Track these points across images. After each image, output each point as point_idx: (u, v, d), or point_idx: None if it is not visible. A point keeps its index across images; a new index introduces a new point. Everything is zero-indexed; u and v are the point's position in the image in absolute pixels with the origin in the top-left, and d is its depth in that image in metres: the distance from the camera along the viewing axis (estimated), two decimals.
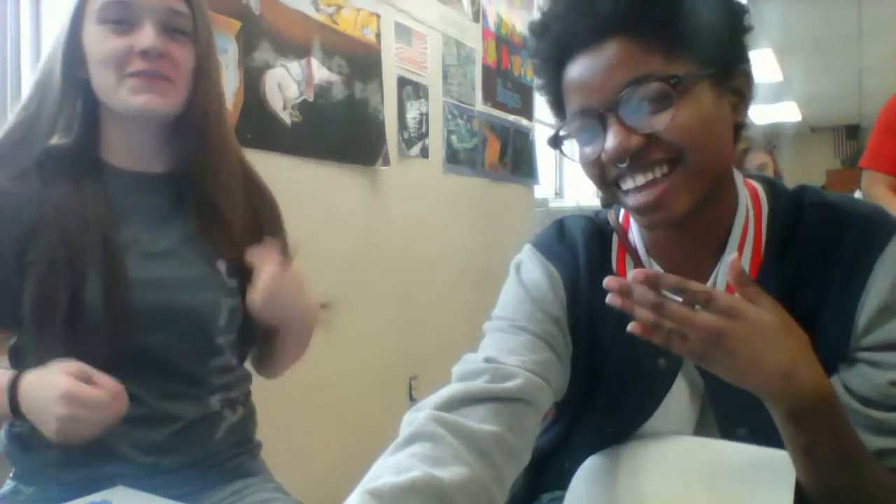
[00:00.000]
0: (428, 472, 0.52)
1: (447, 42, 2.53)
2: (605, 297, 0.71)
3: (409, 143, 2.32)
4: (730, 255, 0.67)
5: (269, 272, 0.82)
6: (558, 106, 0.71)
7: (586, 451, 0.77)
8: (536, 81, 0.73)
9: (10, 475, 0.87)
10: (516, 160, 2.98)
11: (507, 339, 0.70)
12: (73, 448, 0.74)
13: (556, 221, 0.81)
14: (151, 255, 0.85)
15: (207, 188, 0.87)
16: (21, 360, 0.83)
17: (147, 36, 0.78)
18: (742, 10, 0.66)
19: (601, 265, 0.74)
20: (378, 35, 2.14)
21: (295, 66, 1.81)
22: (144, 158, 0.88)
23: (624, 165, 0.63)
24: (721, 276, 0.68)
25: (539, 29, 0.68)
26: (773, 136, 7.03)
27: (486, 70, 2.78)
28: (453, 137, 2.57)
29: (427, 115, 2.41)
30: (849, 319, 0.62)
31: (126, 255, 0.82)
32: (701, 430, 0.72)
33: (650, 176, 0.62)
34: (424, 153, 2.40)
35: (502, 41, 2.88)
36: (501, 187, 2.91)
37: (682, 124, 0.61)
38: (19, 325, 0.81)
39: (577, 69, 0.64)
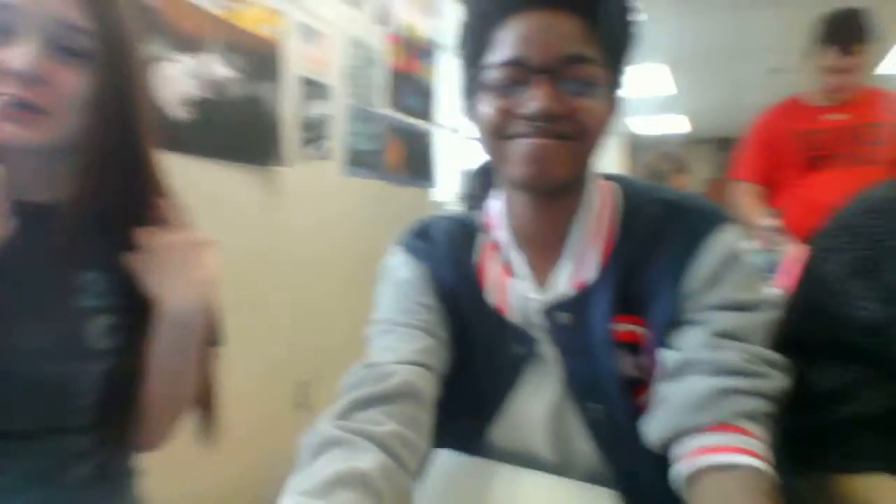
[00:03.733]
0: (348, 465, 0.55)
1: (351, 43, 2.53)
2: (466, 286, 0.78)
3: (310, 144, 2.30)
4: (579, 236, 0.75)
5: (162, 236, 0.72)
6: (476, 51, 0.72)
7: (451, 439, 0.80)
8: (467, 17, 0.73)
9: None
10: (417, 163, 3.03)
11: (385, 340, 0.74)
12: None
13: (418, 221, 0.86)
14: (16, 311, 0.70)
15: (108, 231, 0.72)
16: None
17: (23, 55, 0.63)
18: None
19: (463, 258, 0.80)
20: (280, 33, 2.11)
21: (190, 62, 1.76)
22: (22, 184, 0.71)
23: (540, 125, 0.67)
24: (574, 255, 0.75)
25: None
26: (663, 146, 7.50)
27: (391, 73, 2.80)
28: (355, 139, 2.57)
29: (329, 115, 2.40)
30: (679, 289, 0.69)
31: None
32: (556, 409, 0.77)
33: (551, 142, 0.68)
34: (325, 154, 2.39)
35: (407, 45, 2.91)
36: (402, 190, 2.94)
37: (597, 113, 0.68)
38: None
39: (527, 22, 0.67)
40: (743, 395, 0.63)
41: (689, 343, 0.67)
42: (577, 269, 0.75)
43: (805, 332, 0.74)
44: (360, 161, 2.62)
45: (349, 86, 2.52)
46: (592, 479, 0.77)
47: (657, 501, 0.69)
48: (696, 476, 0.61)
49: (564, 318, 0.75)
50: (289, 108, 2.17)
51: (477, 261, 0.81)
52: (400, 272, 0.81)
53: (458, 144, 4.49)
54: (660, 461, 0.68)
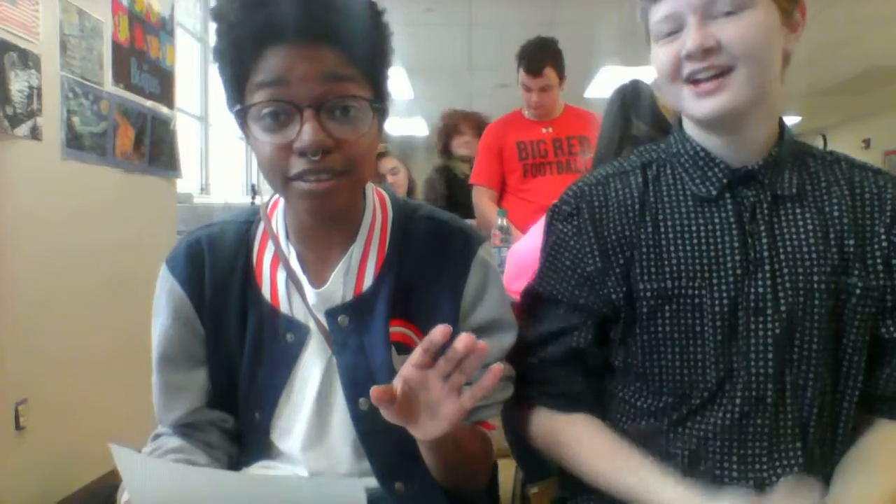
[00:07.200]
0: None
1: (66, 9, 2.19)
2: (238, 287, 0.82)
3: (15, 121, 1.94)
4: (360, 245, 0.81)
5: None
6: (237, 80, 0.72)
7: (251, 439, 0.86)
8: (221, 43, 0.72)
9: None
10: (155, 151, 2.75)
11: (165, 398, 0.83)
12: None
13: (185, 237, 0.87)
14: None
15: None
16: None
17: None
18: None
19: (235, 261, 0.83)
20: None
21: None
22: None
23: (316, 159, 0.69)
24: (353, 261, 0.81)
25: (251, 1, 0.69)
26: (407, 147, 7.91)
27: (118, 47, 2.49)
28: (76, 119, 2.24)
29: (39, 89, 2.05)
30: (457, 305, 0.81)
31: None
32: (323, 398, 0.82)
33: (324, 177, 0.71)
34: (36, 134, 2.04)
35: (136, 18, 2.62)
36: (137, 179, 2.64)
37: (362, 143, 0.72)
38: None
39: (283, 58, 0.68)
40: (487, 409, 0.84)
41: None
42: (357, 275, 0.81)
43: (544, 285, 0.88)
44: (84, 144, 2.28)
45: (65, 57, 2.18)
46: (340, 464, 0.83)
47: (413, 490, 0.80)
48: None
49: (344, 321, 0.80)
50: None
51: (256, 254, 0.84)
52: (163, 307, 0.83)
53: (205, 133, 4.19)
54: (416, 453, 0.76)
